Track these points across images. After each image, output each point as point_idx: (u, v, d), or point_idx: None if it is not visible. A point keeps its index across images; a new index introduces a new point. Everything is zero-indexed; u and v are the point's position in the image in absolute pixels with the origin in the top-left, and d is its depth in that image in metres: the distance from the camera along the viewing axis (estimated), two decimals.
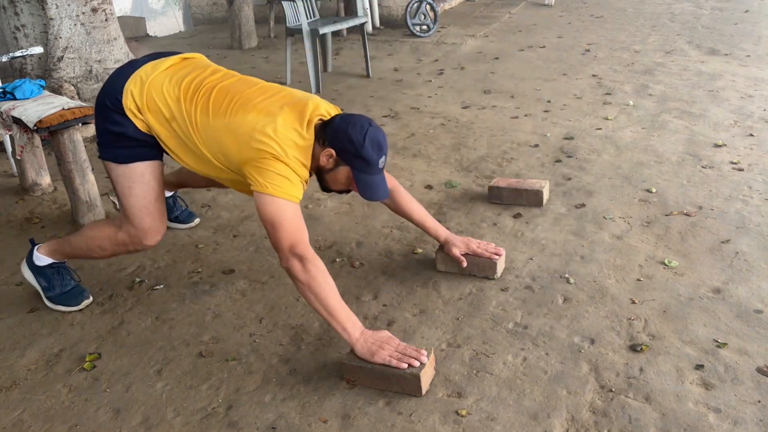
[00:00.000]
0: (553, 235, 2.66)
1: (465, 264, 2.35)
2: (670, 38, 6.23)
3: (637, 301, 2.21)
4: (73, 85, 4.09)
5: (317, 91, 4.90)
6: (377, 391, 1.87)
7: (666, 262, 2.43)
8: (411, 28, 6.69)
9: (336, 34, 6.78)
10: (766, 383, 1.82)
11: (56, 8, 4.00)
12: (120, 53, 4.33)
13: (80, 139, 2.86)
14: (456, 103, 4.52)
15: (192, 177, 2.60)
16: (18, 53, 3.34)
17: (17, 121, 2.79)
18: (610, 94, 4.55)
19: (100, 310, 2.34)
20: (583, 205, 2.91)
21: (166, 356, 2.09)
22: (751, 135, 3.63)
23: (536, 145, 3.65)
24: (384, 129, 4.00)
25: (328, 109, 2.04)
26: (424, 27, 6.75)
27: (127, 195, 2.09)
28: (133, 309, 2.35)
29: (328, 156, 1.96)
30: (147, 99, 2.00)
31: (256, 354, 2.07)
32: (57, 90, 3.95)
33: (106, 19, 4.21)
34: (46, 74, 4.09)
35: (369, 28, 6.92)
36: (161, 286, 2.47)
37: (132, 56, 4.45)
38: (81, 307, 2.34)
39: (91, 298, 2.37)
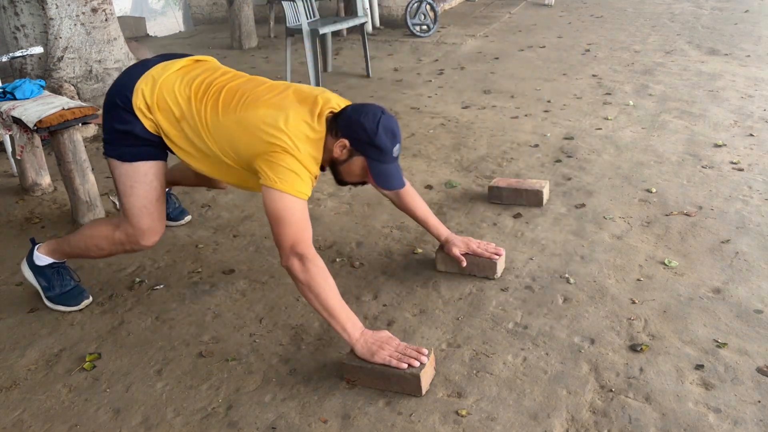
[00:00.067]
0: (553, 235, 2.66)
1: (465, 264, 2.35)
2: (670, 38, 6.23)
3: (637, 301, 2.21)
4: (73, 85, 4.09)
5: None
6: (377, 391, 1.87)
7: (666, 262, 2.43)
8: (411, 28, 6.69)
9: (336, 34, 6.79)
10: (766, 383, 1.82)
11: (56, 8, 4.00)
12: (120, 53, 4.33)
13: (80, 139, 2.86)
14: (456, 103, 4.52)
15: (184, 175, 2.60)
16: (18, 53, 3.34)
17: (17, 121, 2.79)
18: (610, 94, 4.55)
19: (100, 310, 2.34)
20: (583, 205, 2.91)
21: (166, 356, 2.09)
22: (751, 135, 3.63)
23: (536, 145, 3.65)
24: None
25: (338, 102, 2.03)
26: (424, 27, 6.75)
27: (129, 194, 2.09)
28: (133, 309, 2.35)
29: (341, 147, 1.94)
30: (158, 98, 2.00)
31: (256, 354, 2.07)
32: (57, 90, 3.95)
33: (106, 19, 4.21)
34: (46, 74, 4.09)
35: (369, 28, 6.92)
36: (161, 286, 2.47)
37: (132, 56, 4.45)
38: (81, 307, 2.34)
39: (90, 298, 2.37)
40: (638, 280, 2.34)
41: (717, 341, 2.00)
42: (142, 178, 2.08)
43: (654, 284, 2.30)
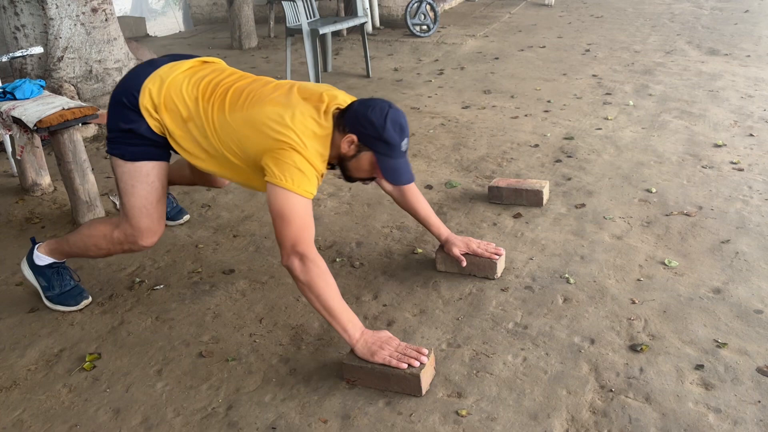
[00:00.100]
0: (553, 235, 2.66)
1: (465, 263, 2.35)
2: (670, 38, 6.23)
3: (637, 301, 2.21)
4: (73, 85, 4.09)
5: None
6: (377, 391, 1.87)
7: (666, 262, 2.43)
8: (411, 28, 6.69)
9: (336, 34, 6.79)
10: (766, 383, 1.82)
11: (56, 8, 4.00)
12: (120, 53, 4.33)
13: (80, 139, 2.86)
14: (456, 103, 4.52)
15: (181, 174, 2.59)
16: (18, 53, 3.34)
17: (17, 121, 2.79)
18: (610, 94, 4.55)
19: (100, 310, 2.34)
20: (583, 205, 2.91)
21: (166, 356, 2.09)
22: (751, 135, 3.63)
23: (536, 145, 3.65)
24: None
25: (345, 98, 2.02)
26: (424, 27, 6.75)
27: (130, 193, 2.08)
28: (133, 309, 2.35)
29: (349, 142, 1.93)
30: (165, 98, 2.00)
31: (256, 354, 2.07)
32: (57, 90, 3.95)
33: (106, 19, 4.21)
34: (46, 74, 4.09)
35: (369, 28, 6.92)
36: (161, 286, 2.47)
37: (132, 56, 4.45)
38: (80, 307, 2.34)
39: (90, 299, 2.37)
40: (638, 280, 2.34)
41: (717, 341, 2.00)
42: (144, 178, 2.07)
43: (654, 284, 2.30)
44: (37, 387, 1.98)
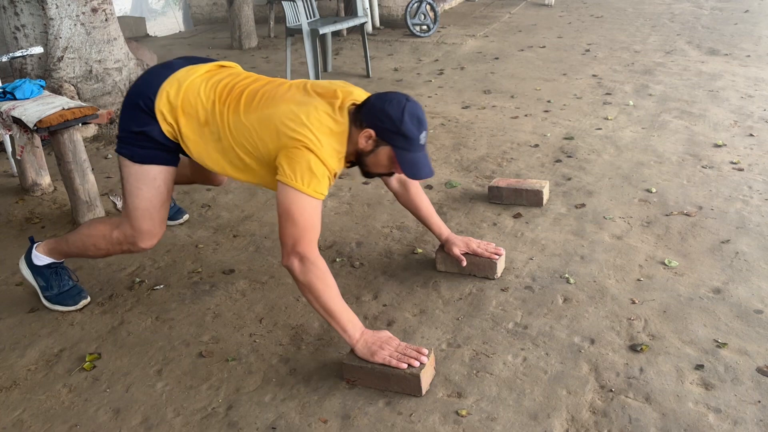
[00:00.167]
0: (553, 235, 2.66)
1: (465, 263, 2.35)
2: (670, 38, 6.23)
3: (637, 301, 2.21)
4: (73, 85, 4.09)
5: None
6: (377, 391, 1.86)
7: (666, 262, 2.43)
8: (411, 28, 6.69)
9: (336, 34, 6.79)
10: (766, 383, 1.82)
11: (56, 8, 4.00)
12: (120, 53, 4.33)
13: (80, 139, 2.86)
14: (456, 103, 4.52)
15: (179, 173, 2.58)
16: (18, 53, 3.34)
17: (17, 121, 2.79)
18: (610, 94, 4.55)
19: (100, 310, 2.34)
20: (583, 205, 2.91)
21: (166, 356, 2.09)
22: (751, 135, 3.63)
23: (536, 145, 3.65)
24: None
25: (360, 94, 2.01)
26: (424, 27, 6.75)
27: (134, 195, 2.07)
28: (133, 309, 2.35)
29: (366, 137, 1.91)
30: (183, 102, 1.98)
31: (256, 354, 2.07)
32: (57, 90, 3.95)
33: (106, 19, 4.21)
34: (46, 74, 4.09)
35: (369, 28, 6.92)
36: (161, 286, 2.47)
37: (132, 56, 4.45)
38: (79, 307, 2.34)
39: (89, 298, 2.37)
40: (638, 280, 2.34)
41: (717, 341, 2.00)
42: (151, 181, 2.06)
43: (654, 284, 2.30)
44: (37, 387, 1.98)
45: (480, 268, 2.38)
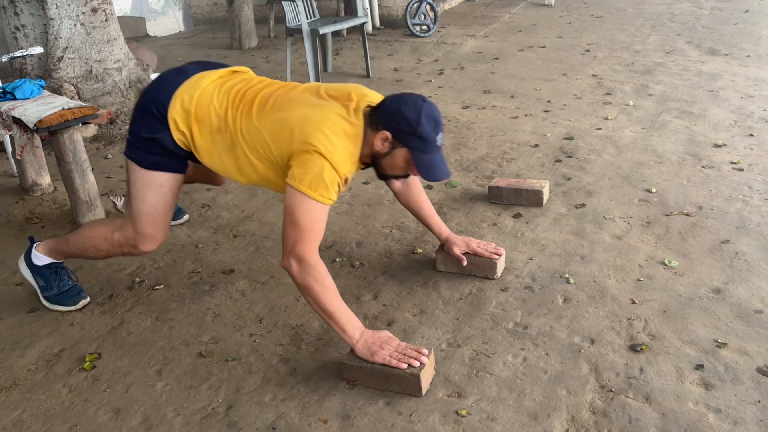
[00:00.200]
0: (553, 235, 2.66)
1: (465, 263, 2.35)
2: (670, 38, 6.23)
3: (637, 301, 2.21)
4: (73, 85, 4.09)
5: None
6: (377, 391, 1.86)
7: (666, 262, 2.43)
8: (411, 28, 6.69)
9: (336, 34, 6.79)
10: (766, 383, 1.82)
11: (56, 8, 4.00)
12: (120, 53, 4.33)
13: (80, 139, 2.86)
14: (456, 103, 4.52)
15: None
16: (18, 53, 3.34)
17: (17, 121, 2.79)
18: (610, 94, 4.55)
19: (100, 310, 2.34)
20: (583, 205, 2.91)
21: (166, 356, 2.09)
22: (751, 135, 3.63)
23: (536, 145, 3.65)
24: None
25: (374, 96, 2.00)
26: (424, 27, 6.75)
27: (140, 200, 2.07)
28: (133, 309, 2.35)
29: (383, 139, 1.90)
30: (196, 108, 1.97)
31: (256, 354, 2.07)
32: (57, 90, 3.95)
33: (106, 19, 4.21)
34: (46, 74, 4.09)
35: (369, 28, 6.92)
36: (161, 286, 2.47)
37: (132, 56, 4.45)
38: (78, 307, 2.33)
39: (88, 299, 2.37)
40: (638, 280, 2.34)
41: (717, 341, 2.00)
42: (158, 188, 2.05)
43: (654, 284, 2.30)
44: (37, 387, 1.98)
45: (480, 268, 2.38)
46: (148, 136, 2.00)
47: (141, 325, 2.25)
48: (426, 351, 1.87)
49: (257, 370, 1.99)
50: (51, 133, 2.74)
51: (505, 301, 2.25)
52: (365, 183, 3.25)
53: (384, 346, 1.87)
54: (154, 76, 4.42)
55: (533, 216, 2.84)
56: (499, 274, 2.39)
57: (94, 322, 2.28)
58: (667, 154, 3.42)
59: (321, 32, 4.93)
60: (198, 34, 7.86)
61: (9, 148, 3.46)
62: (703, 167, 3.24)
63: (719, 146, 3.49)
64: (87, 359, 2.09)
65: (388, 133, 1.89)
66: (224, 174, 2.04)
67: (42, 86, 3.05)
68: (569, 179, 3.19)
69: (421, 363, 1.83)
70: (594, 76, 5.02)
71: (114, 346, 2.15)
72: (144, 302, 2.38)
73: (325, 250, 2.66)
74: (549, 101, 4.44)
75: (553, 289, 2.30)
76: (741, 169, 3.19)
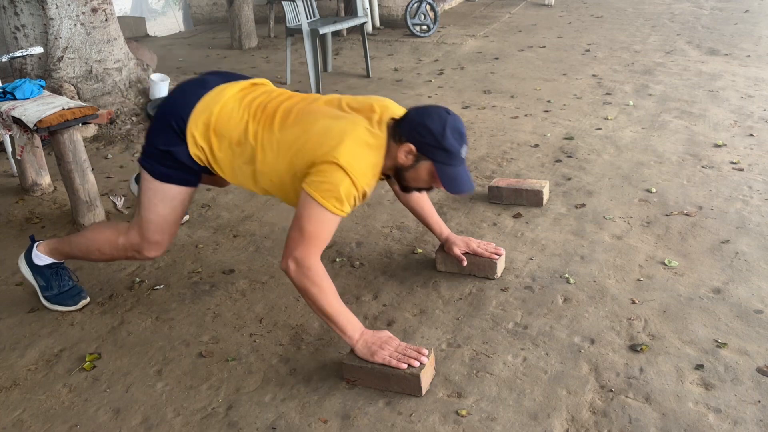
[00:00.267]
0: (553, 235, 2.66)
1: (465, 263, 2.35)
2: (670, 38, 6.23)
3: (637, 301, 2.21)
4: (73, 85, 4.09)
5: (317, 92, 4.90)
6: (377, 391, 1.87)
7: (666, 262, 2.43)
8: (411, 28, 6.69)
9: (336, 34, 6.79)
10: (766, 383, 1.82)
11: (56, 8, 4.00)
12: (120, 53, 4.33)
13: (80, 139, 2.86)
14: (456, 103, 4.52)
15: None
16: (18, 53, 3.34)
17: (17, 121, 2.79)
18: (610, 94, 4.55)
19: (100, 310, 2.34)
20: (583, 205, 2.91)
21: (166, 356, 2.09)
22: (751, 135, 3.63)
23: (536, 145, 3.65)
24: None
25: (396, 108, 1.99)
26: (424, 27, 6.75)
27: (150, 209, 2.06)
28: (133, 309, 2.35)
29: (406, 152, 1.89)
30: (217, 122, 1.95)
31: (256, 354, 2.07)
32: (57, 90, 3.95)
33: (106, 19, 4.21)
34: (46, 74, 4.09)
35: (369, 28, 6.92)
36: (161, 286, 2.47)
37: (132, 56, 4.45)
38: (78, 307, 2.33)
39: (88, 299, 2.37)
40: (638, 280, 2.34)
41: (717, 341, 2.00)
42: (169, 200, 2.05)
43: (654, 284, 2.30)
44: (37, 387, 1.98)
45: (480, 268, 2.38)
46: (164, 149, 1.98)
47: (141, 325, 2.25)
48: (426, 351, 1.87)
49: (257, 370, 1.99)
50: (51, 133, 2.74)
51: (505, 301, 2.25)
52: None
53: (384, 346, 1.87)
54: (154, 76, 4.44)
55: (533, 216, 2.84)
56: (499, 274, 2.39)
57: (94, 322, 2.28)
58: (667, 154, 3.42)
59: (321, 32, 4.93)
60: (198, 34, 7.86)
61: (9, 148, 3.46)
62: (703, 167, 3.24)
63: (719, 146, 3.49)
64: (87, 359, 2.09)
65: (412, 146, 1.88)
66: (242, 185, 2.03)
67: (42, 86, 3.04)
68: (569, 179, 3.19)
69: (421, 363, 1.83)
70: (594, 76, 5.02)
71: (114, 346, 2.15)
72: (144, 302, 2.38)
73: (325, 250, 2.64)
74: (549, 101, 4.44)
75: (553, 289, 2.30)
76: (741, 169, 3.19)
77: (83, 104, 2.86)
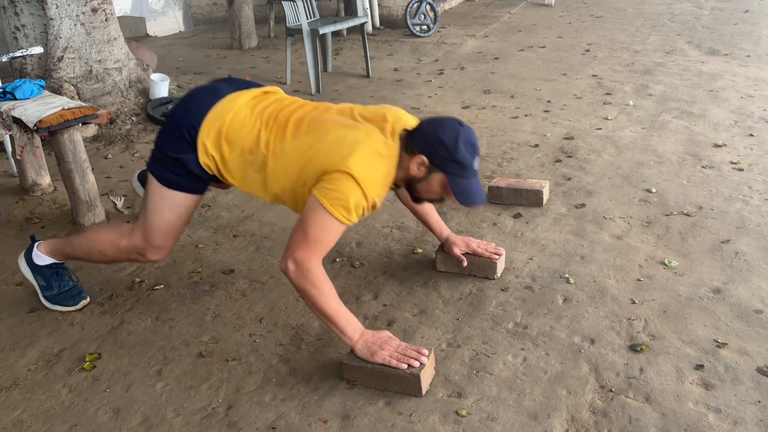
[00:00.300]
0: (553, 235, 2.66)
1: (465, 263, 2.35)
2: (670, 38, 6.23)
3: (637, 301, 2.21)
4: (73, 85, 4.09)
5: (317, 91, 4.90)
6: (377, 391, 1.87)
7: (666, 262, 2.43)
8: (411, 28, 6.69)
9: (336, 34, 6.79)
10: (766, 383, 1.82)
11: (56, 8, 4.00)
12: (120, 53, 4.33)
13: (80, 139, 2.86)
14: (456, 103, 4.52)
15: None
16: (18, 53, 3.34)
17: (17, 121, 2.79)
18: (610, 94, 4.55)
19: (100, 310, 2.34)
20: (583, 205, 2.91)
21: (166, 356, 2.09)
22: (751, 135, 3.63)
23: (536, 145, 3.65)
24: None
25: (409, 119, 1.99)
26: (424, 27, 6.75)
27: (155, 214, 2.06)
28: (133, 309, 2.35)
29: (419, 164, 1.89)
30: (228, 130, 1.94)
31: (256, 354, 2.07)
32: (57, 90, 3.95)
33: (106, 19, 4.21)
34: (46, 74, 4.09)
35: (369, 28, 6.92)
36: (161, 286, 2.47)
37: (132, 56, 4.45)
38: (78, 307, 2.33)
39: (88, 299, 2.37)
40: (638, 280, 2.34)
41: (717, 341, 2.00)
42: (175, 207, 2.05)
43: (654, 284, 2.30)
44: (37, 387, 1.98)
45: (480, 268, 2.38)
46: (174, 156, 1.98)
47: (141, 325, 2.25)
48: (426, 351, 1.87)
49: (257, 370, 1.99)
50: (51, 133, 2.74)
51: (505, 301, 2.25)
52: None
53: (384, 347, 1.87)
54: (154, 76, 4.44)
55: (533, 216, 2.84)
56: (499, 274, 2.39)
57: (94, 322, 2.28)
58: (667, 154, 3.42)
59: (321, 32, 4.93)
60: (198, 34, 7.85)
61: (9, 148, 3.46)
62: (703, 167, 3.24)
63: (719, 146, 3.49)
64: (87, 359, 2.09)
65: (424, 158, 1.88)
66: (251, 193, 2.02)
67: (42, 86, 3.04)
68: (569, 179, 3.19)
69: (421, 363, 1.83)
70: (594, 76, 5.02)
71: (114, 346, 2.15)
72: (144, 302, 2.38)
73: None
74: (549, 101, 4.44)
75: (553, 289, 2.30)
76: (741, 169, 3.19)
77: (83, 104, 2.86)
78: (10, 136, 3.04)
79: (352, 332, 1.88)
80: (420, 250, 2.61)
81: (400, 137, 1.92)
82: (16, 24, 4.08)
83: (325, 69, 5.59)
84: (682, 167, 3.25)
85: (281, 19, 6.81)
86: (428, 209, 2.38)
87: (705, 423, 1.70)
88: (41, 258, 2.32)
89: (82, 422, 1.83)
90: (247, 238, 2.81)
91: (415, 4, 6.66)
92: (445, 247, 2.40)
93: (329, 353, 2.05)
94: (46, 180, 3.34)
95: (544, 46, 6.12)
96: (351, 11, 6.80)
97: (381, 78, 5.32)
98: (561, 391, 1.84)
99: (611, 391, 1.83)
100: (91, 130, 4.08)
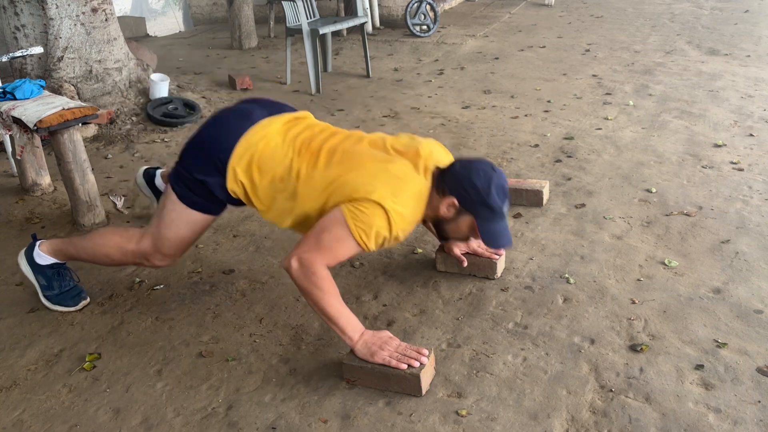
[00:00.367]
0: (553, 235, 2.66)
1: (465, 263, 2.36)
2: (670, 38, 6.23)
3: (637, 301, 2.21)
4: (73, 85, 4.09)
5: (317, 91, 4.90)
6: (377, 391, 1.87)
7: (666, 262, 2.43)
8: (411, 28, 6.69)
9: (336, 34, 6.78)
10: (766, 383, 1.82)
11: (56, 8, 4.00)
12: (120, 53, 4.33)
13: (80, 139, 2.86)
14: (456, 103, 4.52)
15: None
16: (18, 53, 3.34)
17: (17, 121, 2.79)
18: (610, 94, 4.55)
19: (100, 310, 2.34)
20: (583, 205, 2.91)
21: (166, 356, 2.09)
22: (751, 135, 3.63)
23: (536, 145, 3.65)
24: (384, 129, 4.01)
25: (441, 154, 2.00)
26: (424, 27, 6.75)
27: (169, 227, 2.07)
28: (133, 309, 2.35)
29: (449, 205, 1.91)
30: (260, 157, 1.94)
31: (256, 354, 2.07)
32: (57, 90, 3.95)
33: (106, 19, 4.21)
34: (46, 74, 4.09)
35: (369, 28, 6.92)
36: (161, 286, 2.47)
37: (132, 56, 4.45)
38: (78, 307, 2.33)
39: (88, 299, 2.37)
40: (638, 280, 2.34)
41: (717, 341, 2.00)
42: (191, 225, 2.07)
43: (654, 284, 2.30)
44: (37, 387, 1.98)
45: (480, 268, 2.38)
46: (200, 178, 1.98)
47: (141, 325, 2.25)
48: (426, 351, 1.87)
49: (257, 370, 1.99)
50: (51, 133, 2.74)
51: (505, 301, 2.25)
52: None
53: (384, 347, 1.87)
54: (154, 76, 4.44)
55: (533, 216, 2.84)
56: (499, 274, 2.39)
57: (94, 322, 2.28)
58: (667, 154, 3.42)
59: (321, 32, 4.93)
60: (198, 34, 7.85)
61: (9, 148, 3.46)
62: (703, 167, 3.24)
63: (719, 146, 3.49)
64: (87, 359, 2.09)
65: (455, 200, 1.90)
66: (273, 221, 2.02)
67: (42, 86, 3.04)
68: (569, 179, 3.19)
69: (421, 363, 1.83)
70: (594, 76, 5.02)
71: (114, 346, 2.15)
72: (144, 302, 2.38)
73: None
74: (549, 101, 4.44)
75: (553, 289, 2.30)
76: (741, 169, 3.19)
77: (83, 104, 2.86)
78: (10, 136, 3.05)
79: (352, 332, 1.88)
80: (420, 250, 2.61)
81: (432, 175, 1.92)
82: (16, 24, 4.08)
83: (325, 69, 5.59)
84: (682, 167, 3.25)
85: (281, 19, 6.81)
86: None
87: (705, 423, 1.70)
88: (43, 258, 2.32)
89: (82, 422, 1.83)
90: (247, 238, 2.81)
91: (415, 4, 6.66)
92: (445, 247, 2.40)
93: (329, 353, 2.05)
94: (46, 180, 3.34)
95: (544, 46, 6.12)
96: (351, 11, 6.80)
97: (381, 78, 5.32)
98: (561, 391, 1.84)
99: (611, 391, 1.83)
100: (91, 130, 4.08)
